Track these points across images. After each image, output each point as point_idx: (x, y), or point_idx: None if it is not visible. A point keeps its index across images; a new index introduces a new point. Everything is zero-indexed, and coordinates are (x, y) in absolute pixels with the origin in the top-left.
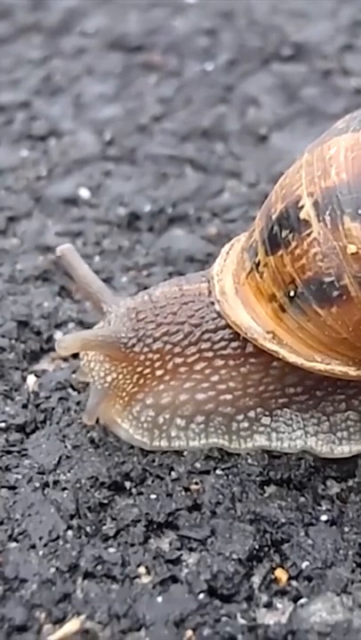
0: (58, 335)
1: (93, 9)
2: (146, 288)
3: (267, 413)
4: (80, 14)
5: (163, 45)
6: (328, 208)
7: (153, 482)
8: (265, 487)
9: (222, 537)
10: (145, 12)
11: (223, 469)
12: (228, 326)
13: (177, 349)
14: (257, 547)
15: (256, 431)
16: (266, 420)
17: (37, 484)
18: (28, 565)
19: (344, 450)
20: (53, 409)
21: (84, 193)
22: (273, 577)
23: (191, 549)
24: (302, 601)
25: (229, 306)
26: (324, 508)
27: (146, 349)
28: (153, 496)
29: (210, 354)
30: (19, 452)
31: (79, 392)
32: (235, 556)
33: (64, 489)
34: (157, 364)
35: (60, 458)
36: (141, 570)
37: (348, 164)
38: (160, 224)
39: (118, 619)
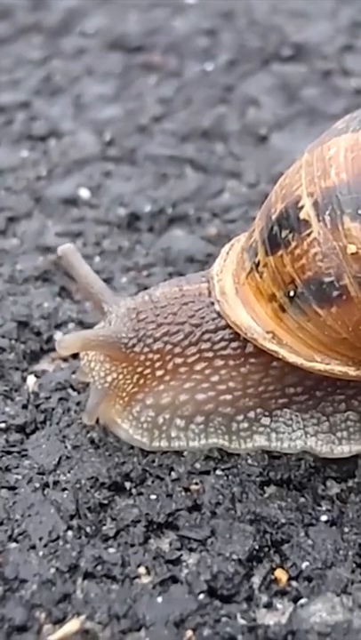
0: (58, 335)
1: (93, 9)
2: (146, 288)
3: (266, 414)
4: (80, 14)
5: (163, 46)
6: (328, 208)
7: (153, 482)
8: (265, 487)
9: (222, 537)
10: (145, 13)
11: (223, 470)
12: (228, 326)
13: (177, 349)
14: (257, 547)
15: (256, 431)
16: (266, 421)
17: (37, 485)
18: (28, 566)
19: (344, 450)
20: (53, 409)
21: (84, 193)
22: (273, 577)
23: (191, 550)
24: (302, 601)
25: (229, 306)
26: (324, 508)
27: (146, 349)
28: (153, 496)
29: (210, 354)
30: (19, 452)
31: (79, 392)
32: (235, 557)
33: (64, 489)
34: (158, 365)
35: (60, 458)
36: (141, 570)
37: (348, 165)
38: (160, 224)
39: (118, 619)
